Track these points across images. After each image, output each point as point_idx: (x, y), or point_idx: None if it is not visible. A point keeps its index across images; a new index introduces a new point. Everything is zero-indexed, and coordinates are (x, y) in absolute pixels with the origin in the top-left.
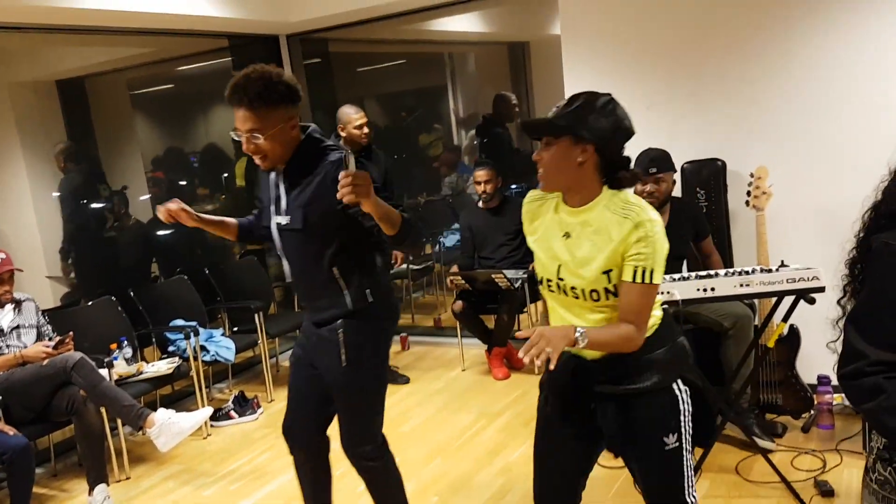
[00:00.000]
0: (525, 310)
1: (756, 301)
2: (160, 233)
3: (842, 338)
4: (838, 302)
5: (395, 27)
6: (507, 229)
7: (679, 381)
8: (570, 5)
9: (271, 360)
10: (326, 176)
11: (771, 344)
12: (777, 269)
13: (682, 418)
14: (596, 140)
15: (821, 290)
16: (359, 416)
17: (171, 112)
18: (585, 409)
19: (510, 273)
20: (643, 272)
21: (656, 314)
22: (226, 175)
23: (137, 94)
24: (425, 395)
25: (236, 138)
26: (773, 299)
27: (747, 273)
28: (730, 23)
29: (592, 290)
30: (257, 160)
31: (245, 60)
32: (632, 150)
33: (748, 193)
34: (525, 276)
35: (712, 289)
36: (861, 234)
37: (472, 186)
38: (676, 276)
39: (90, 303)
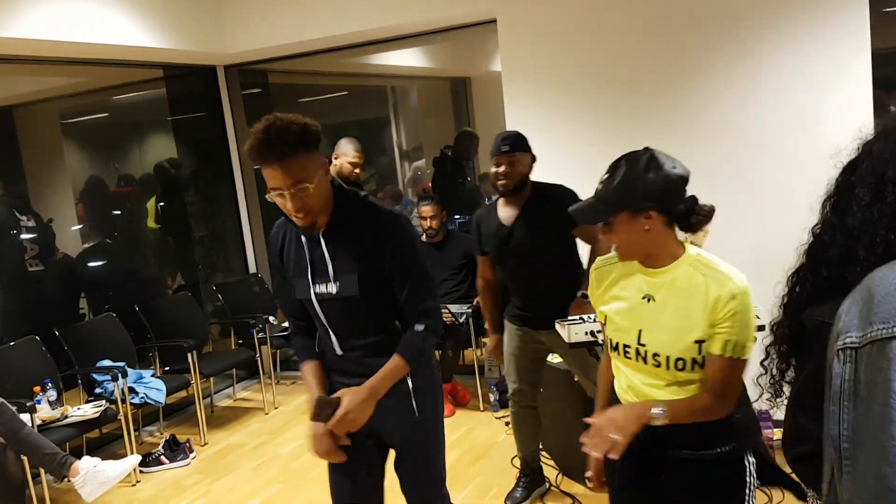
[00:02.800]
0: (470, 345)
1: None
2: (91, 265)
3: (784, 418)
4: (761, 363)
5: (336, 60)
6: (451, 264)
7: (750, 452)
8: (509, 43)
9: (205, 401)
10: (378, 235)
11: None
12: None
13: (747, 491)
14: (654, 203)
15: (760, 328)
16: (434, 472)
17: (105, 142)
18: (656, 477)
19: (454, 308)
20: (734, 346)
21: None
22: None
23: (69, 123)
24: None
25: (276, 199)
26: None
27: None
28: (666, 65)
29: (679, 360)
30: (300, 219)
31: (181, 90)
32: (584, 179)
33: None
34: (469, 310)
35: None
36: (787, 305)
37: (415, 219)
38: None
39: (12, 343)
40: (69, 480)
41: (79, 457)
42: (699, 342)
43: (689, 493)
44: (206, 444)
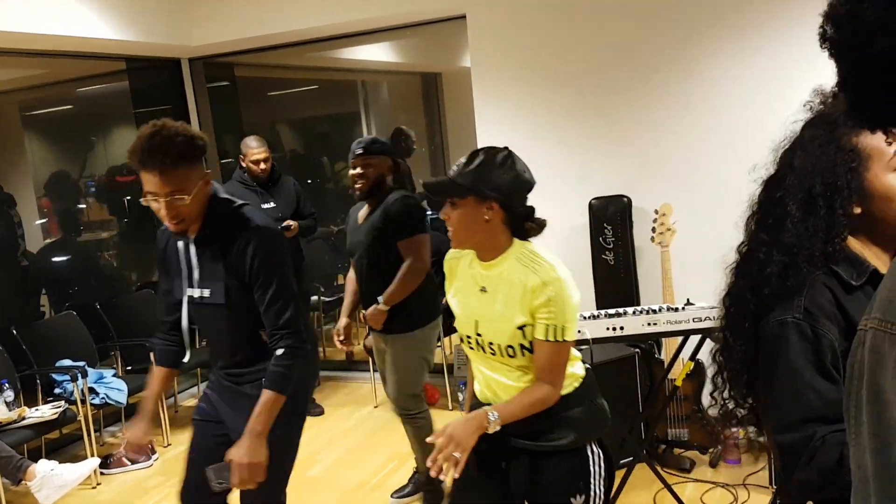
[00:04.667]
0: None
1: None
2: (55, 259)
3: (776, 455)
4: (713, 379)
5: (305, 53)
6: None
7: (594, 443)
8: (479, 39)
9: (168, 401)
10: (241, 246)
11: (679, 382)
12: (683, 308)
13: (591, 480)
14: (500, 196)
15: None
16: (267, 479)
17: (67, 134)
18: (498, 466)
19: None
20: (554, 330)
21: (578, 372)
22: (128, 198)
23: (30, 115)
24: (336, 433)
25: (151, 204)
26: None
27: (654, 312)
28: (637, 64)
29: (509, 346)
30: (172, 225)
31: (144, 83)
32: (553, 176)
33: (653, 230)
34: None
35: (621, 328)
36: (730, 328)
37: None
38: (587, 314)
39: None
40: (26, 484)
41: (37, 460)
42: (522, 328)
43: (530, 483)
44: (169, 445)
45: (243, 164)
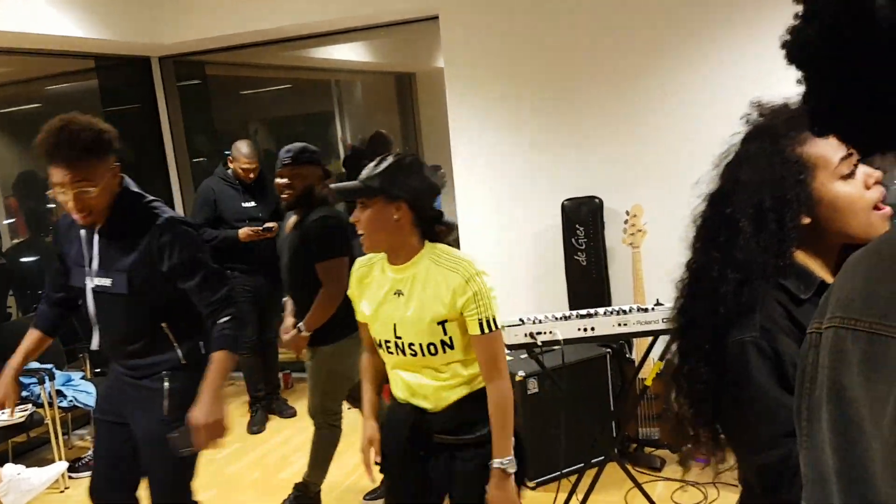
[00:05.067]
0: None
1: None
2: (23, 260)
3: (754, 478)
4: (675, 399)
5: (278, 52)
6: None
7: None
8: (452, 40)
9: None
10: (154, 240)
11: (649, 382)
12: (653, 308)
13: None
14: (408, 197)
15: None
16: (171, 474)
17: (35, 133)
18: (423, 463)
19: None
20: (487, 322)
21: None
22: None
23: None
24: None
25: (59, 196)
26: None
27: (625, 312)
28: (609, 66)
29: (430, 344)
30: (80, 217)
31: (113, 82)
32: (526, 177)
33: (625, 231)
34: None
35: (592, 328)
36: (688, 349)
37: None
38: (558, 314)
39: None
40: None
41: (4, 464)
42: (442, 323)
43: (452, 476)
44: None
45: (230, 165)
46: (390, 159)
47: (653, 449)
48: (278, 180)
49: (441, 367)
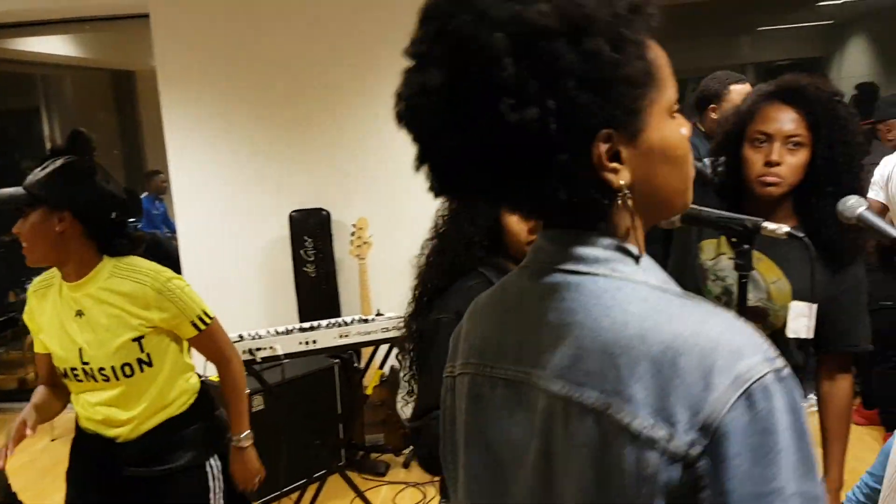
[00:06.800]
0: None
1: None
2: None
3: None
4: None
5: None
6: None
7: (213, 457)
8: (164, 40)
9: None
10: None
11: (369, 391)
12: (373, 319)
13: (211, 496)
14: (74, 207)
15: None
16: None
17: None
18: (117, 500)
19: None
20: (199, 320)
21: (193, 386)
22: None
23: None
24: (9, 469)
25: None
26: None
27: (346, 324)
28: (331, 76)
29: (125, 365)
30: None
31: None
32: (244, 185)
33: (351, 243)
34: None
35: (314, 341)
36: (407, 319)
37: None
38: (281, 328)
39: None
40: None
41: None
42: (138, 340)
43: None
44: None
45: None
46: (58, 163)
47: (378, 454)
48: None
49: (138, 389)
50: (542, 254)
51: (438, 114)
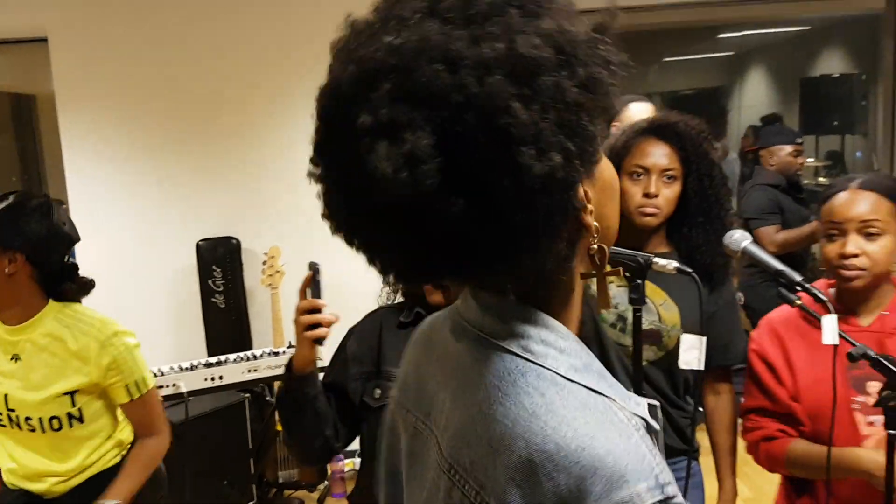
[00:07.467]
0: None
1: None
2: None
3: None
4: None
5: None
6: None
7: None
8: (63, 65)
9: None
10: None
11: (280, 427)
12: (284, 351)
13: None
14: (26, 249)
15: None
16: None
17: None
18: None
19: None
20: (136, 386)
21: (127, 438)
22: None
23: None
24: None
25: None
26: None
27: (255, 357)
28: (238, 103)
29: (53, 418)
30: None
31: None
32: (149, 214)
33: (263, 272)
34: None
35: (220, 377)
36: None
37: None
38: (185, 364)
39: None
40: None
41: None
42: (71, 394)
43: None
44: None
45: None
46: (10, 200)
47: (292, 491)
48: None
49: (65, 444)
50: (468, 311)
51: (428, 185)
